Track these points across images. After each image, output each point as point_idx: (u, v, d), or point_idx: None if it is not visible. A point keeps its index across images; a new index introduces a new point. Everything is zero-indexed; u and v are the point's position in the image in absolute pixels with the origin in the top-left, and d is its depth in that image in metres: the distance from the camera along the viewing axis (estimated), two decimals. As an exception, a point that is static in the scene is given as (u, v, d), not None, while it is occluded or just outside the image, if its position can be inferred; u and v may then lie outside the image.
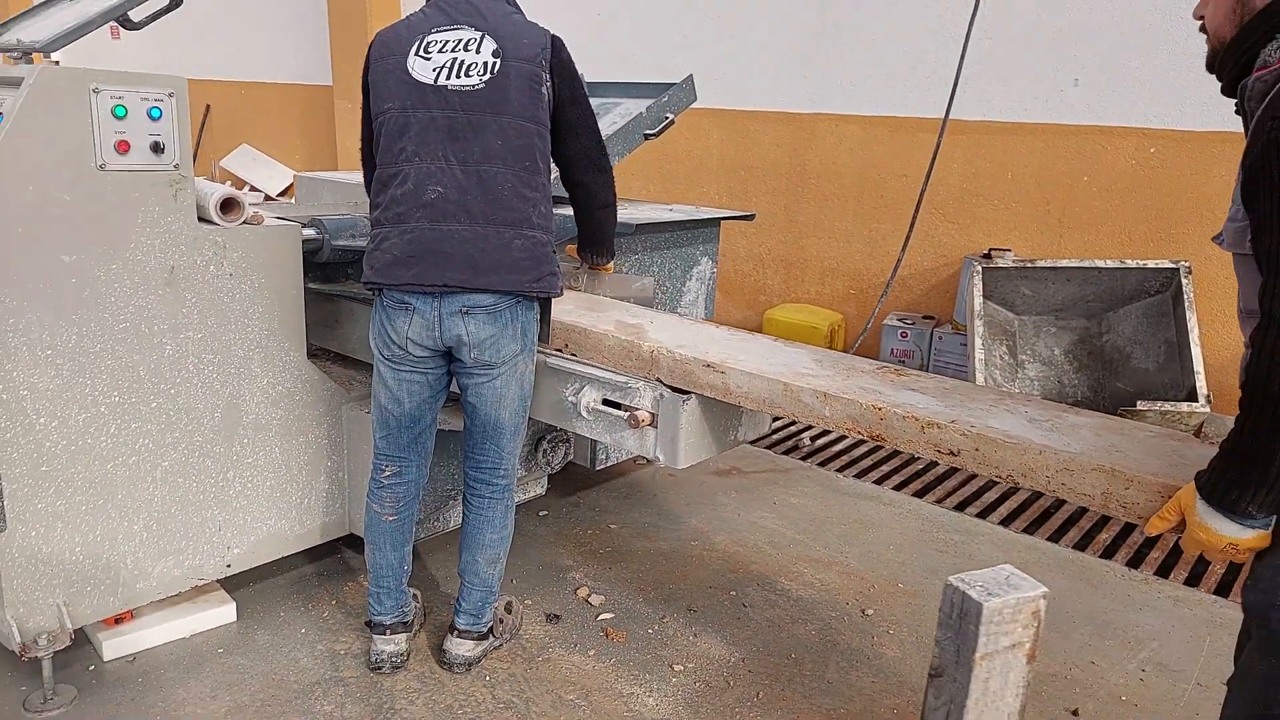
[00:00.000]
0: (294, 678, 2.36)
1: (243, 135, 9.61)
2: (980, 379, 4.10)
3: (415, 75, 2.12)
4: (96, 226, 2.07)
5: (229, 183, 9.39)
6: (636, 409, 2.14)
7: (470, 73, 2.10)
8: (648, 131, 3.49)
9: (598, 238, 2.54)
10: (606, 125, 3.65)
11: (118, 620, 2.41)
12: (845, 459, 4.14)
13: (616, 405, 2.20)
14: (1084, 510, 3.72)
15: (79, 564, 2.21)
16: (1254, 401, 1.24)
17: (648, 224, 3.06)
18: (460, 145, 2.10)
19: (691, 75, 3.65)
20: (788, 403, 1.95)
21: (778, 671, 2.52)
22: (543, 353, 2.36)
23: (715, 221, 3.55)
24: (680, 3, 5.99)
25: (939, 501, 3.72)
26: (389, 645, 2.39)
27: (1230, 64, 1.40)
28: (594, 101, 4.00)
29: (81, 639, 2.39)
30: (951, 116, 4.85)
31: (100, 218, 2.07)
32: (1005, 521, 3.56)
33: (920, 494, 3.80)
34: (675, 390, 2.11)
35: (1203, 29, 1.50)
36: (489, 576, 2.37)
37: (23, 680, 2.28)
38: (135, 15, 2.12)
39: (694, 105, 5.93)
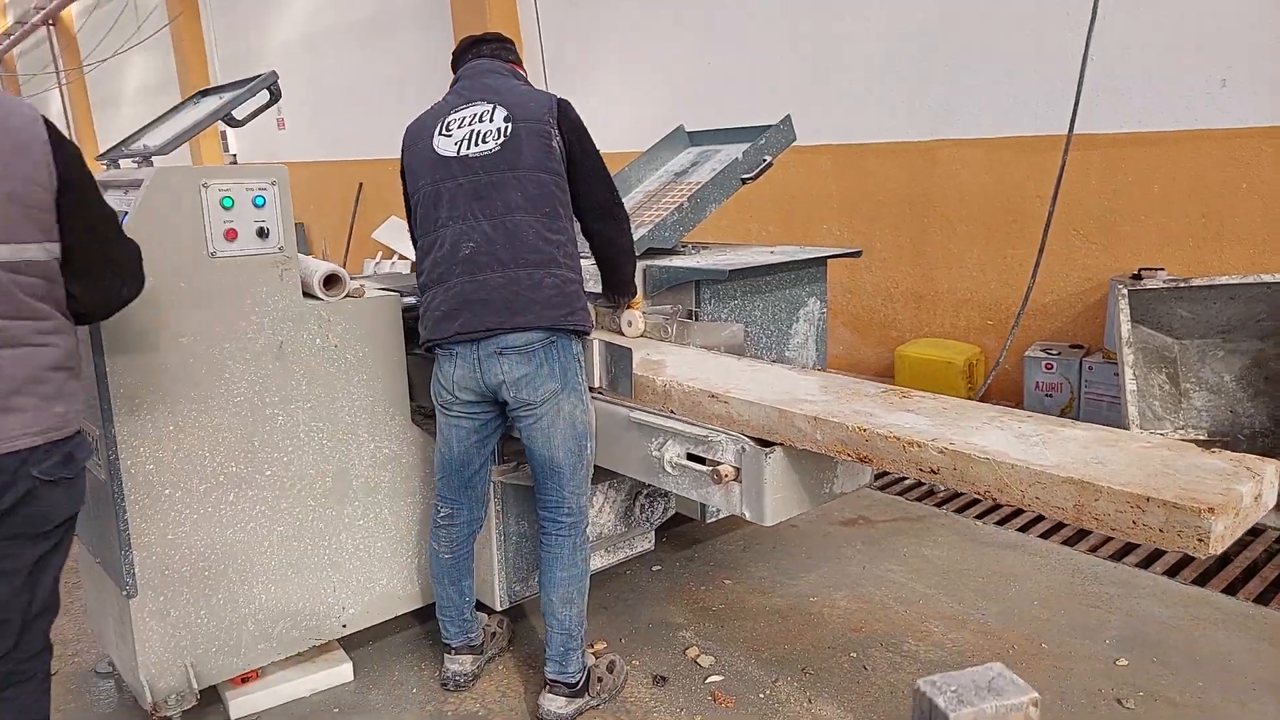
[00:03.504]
0: (402, 739, 2.40)
1: (391, 208, 10.24)
2: (1133, 412, 3.73)
3: (440, 152, 2.32)
4: (210, 308, 2.23)
5: (379, 253, 10.03)
6: (720, 463, 2.07)
7: (486, 139, 2.28)
8: (745, 175, 3.44)
9: (616, 280, 2.63)
10: (705, 173, 3.65)
11: (244, 680, 2.53)
12: (986, 504, 3.86)
13: (701, 460, 2.14)
14: (1269, 556, 3.29)
15: (204, 627, 2.34)
16: None
17: (743, 269, 2.99)
18: (484, 203, 2.25)
19: (789, 116, 3.59)
20: (784, 428, 1.98)
21: (898, 742, 2.33)
22: (626, 406, 2.34)
23: (820, 261, 3.43)
24: (786, 43, 5.96)
25: (1093, 550, 3.39)
26: (454, 664, 2.59)
27: None
28: (694, 151, 4.04)
29: (212, 697, 2.52)
30: (1088, 130, 4.56)
31: (213, 300, 2.24)
32: (1171, 572, 3.20)
33: (1071, 541, 3.47)
34: (759, 442, 2.03)
35: None
36: (565, 618, 2.38)
37: (161, 736, 2.42)
38: (239, 114, 2.29)
39: (807, 143, 5.87)
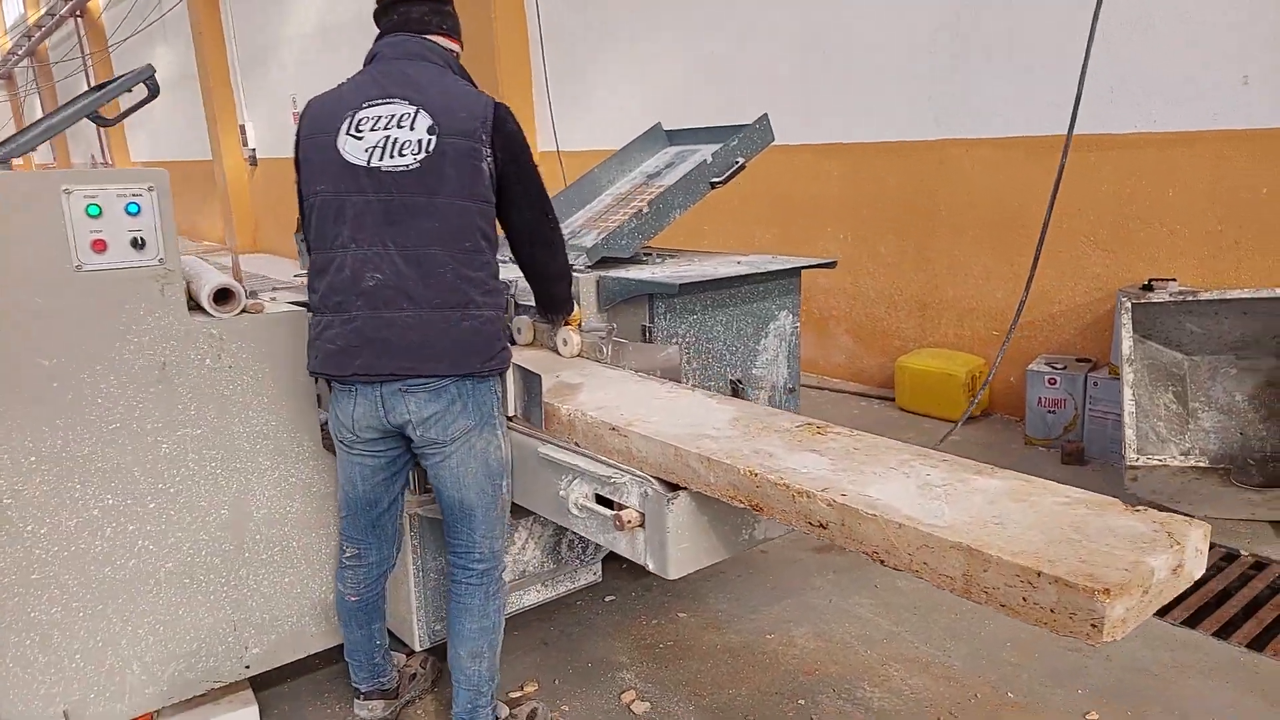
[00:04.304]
0: (294, 797, 2.20)
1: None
2: (1130, 435, 3.44)
3: (347, 156, 1.99)
4: (77, 328, 2.04)
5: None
6: (625, 507, 1.83)
7: (404, 151, 1.96)
8: (714, 179, 3.20)
9: (548, 301, 2.39)
10: (675, 175, 3.40)
11: (136, 723, 2.35)
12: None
13: (610, 503, 1.90)
14: (1272, 593, 2.98)
15: (80, 671, 2.16)
16: None
17: (696, 282, 2.74)
18: (397, 229, 1.97)
19: (766, 115, 3.33)
20: (679, 468, 1.77)
21: (834, 818, 2.09)
22: (536, 437, 2.11)
23: (794, 271, 3.17)
24: (792, 39, 5.68)
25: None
26: (363, 710, 2.40)
27: None
28: (672, 151, 3.80)
29: (104, 741, 2.34)
30: (1100, 130, 4.24)
31: (81, 319, 2.04)
32: (1162, 610, 2.90)
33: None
34: (667, 485, 1.79)
35: None
36: (473, 674, 2.16)
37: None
38: (108, 112, 2.10)
39: (811, 142, 5.60)
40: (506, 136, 2.04)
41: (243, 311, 2.28)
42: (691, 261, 3.24)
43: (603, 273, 2.87)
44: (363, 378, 1.99)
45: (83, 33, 18.61)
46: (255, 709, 2.47)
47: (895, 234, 5.34)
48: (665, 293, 2.71)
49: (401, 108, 2.00)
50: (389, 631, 2.58)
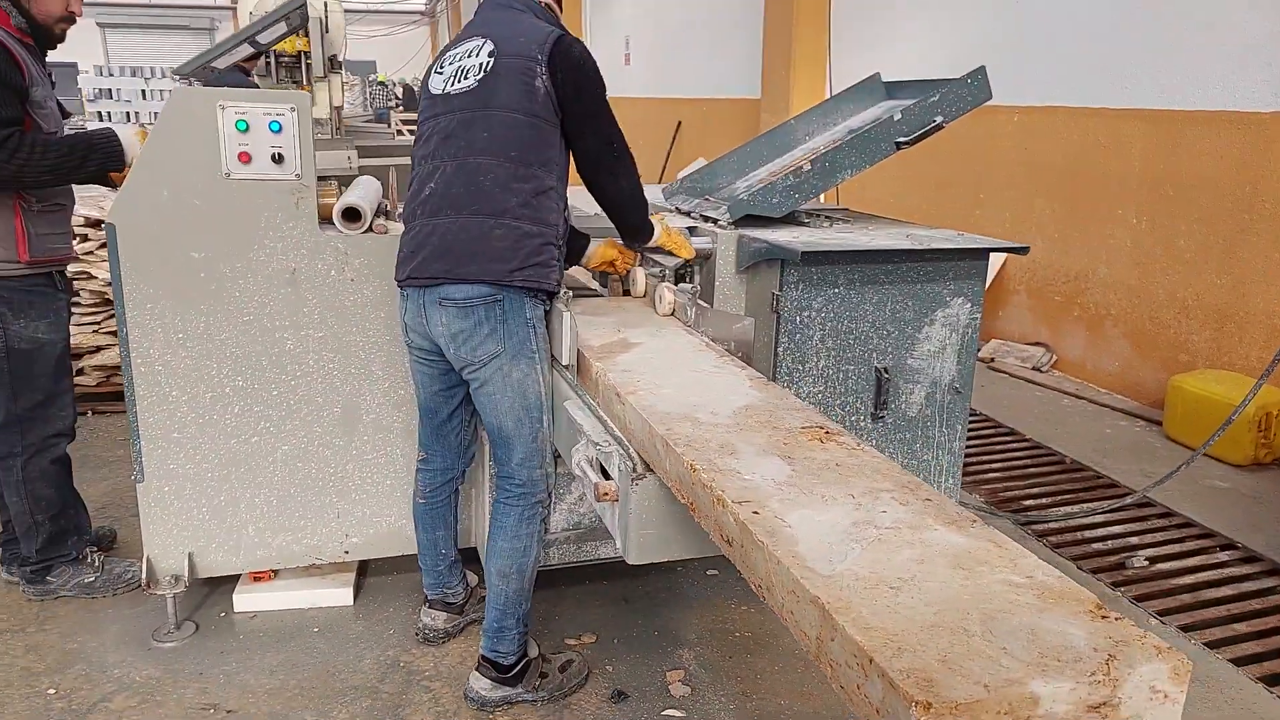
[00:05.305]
0: (343, 676, 2.42)
1: (701, 150, 10.27)
2: None
3: (432, 89, 2.22)
4: (222, 228, 2.34)
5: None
6: (610, 478, 1.73)
7: (469, 75, 2.12)
8: (901, 139, 2.84)
9: (622, 228, 2.40)
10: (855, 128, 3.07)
11: (257, 578, 2.71)
12: (1188, 599, 2.91)
13: (607, 473, 1.81)
14: None
15: (205, 523, 2.53)
16: None
17: (826, 252, 2.47)
18: (451, 142, 2.11)
19: (983, 68, 2.88)
20: (648, 448, 1.63)
21: None
22: (574, 389, 2.06)
23: (976, 253, 2.74)
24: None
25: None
26: (426, 617, 2.55)
27: None
28: (888, 104, 3.43)
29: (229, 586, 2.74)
30: None
31: (226, 220, 2.34)
32: None
33: (1242, 660, 2.51)
34: (647, 465, 1.66)
35: None
36: (500, 593, 2.21)
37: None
38: (263, 38, 2.34)
39: (1112, 106, 4.76)
40: (568, 62, 2.10)
41: (368, 230, 2.46)
42: (861, 228, 2.93)
43: (743, 231, 2.69)
44: (413, 282, 2.14)
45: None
46: (350, 590, 2.74)
47: (1200, 224, 4.39)
48: (790, 259, 2.48)
49: (474, 42, 2.18)
50: (473, 551, 2.72)
